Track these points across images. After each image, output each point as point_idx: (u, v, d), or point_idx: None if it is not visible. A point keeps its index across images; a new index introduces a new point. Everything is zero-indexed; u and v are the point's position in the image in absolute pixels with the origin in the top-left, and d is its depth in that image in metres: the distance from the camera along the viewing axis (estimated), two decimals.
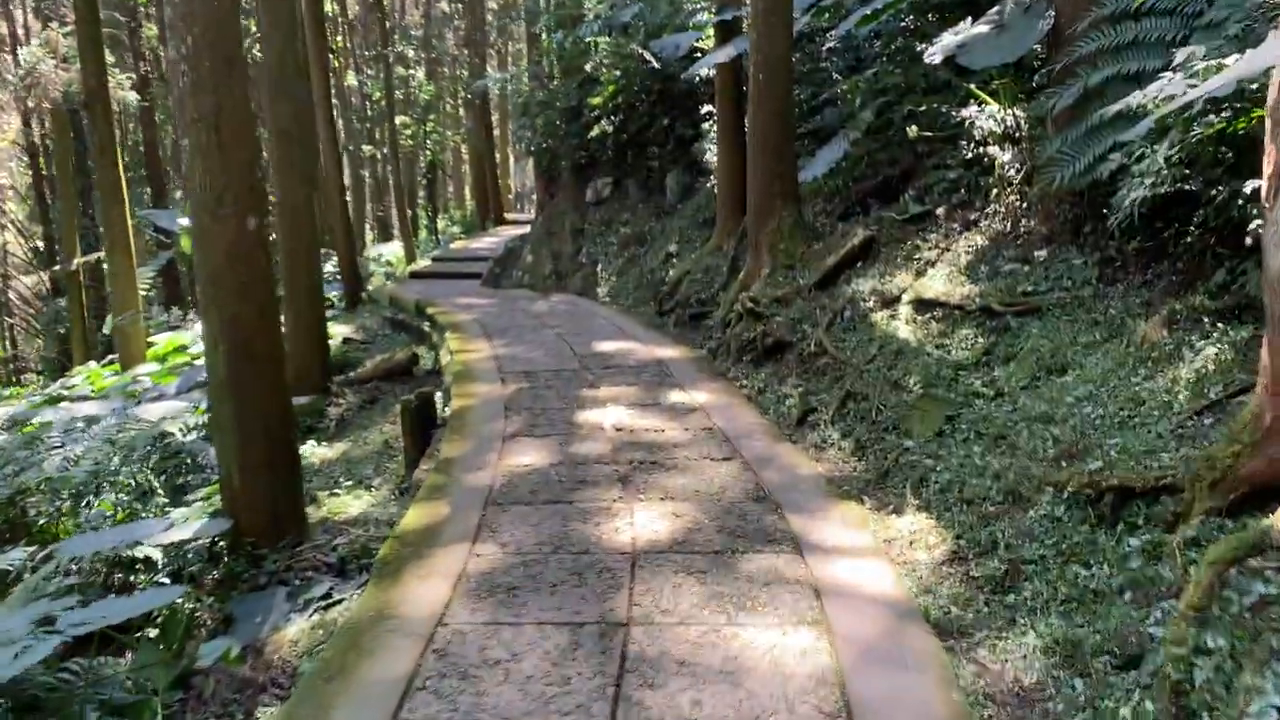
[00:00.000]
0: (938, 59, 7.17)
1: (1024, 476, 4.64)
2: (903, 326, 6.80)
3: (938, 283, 6.86)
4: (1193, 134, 4.75)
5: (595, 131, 15.38)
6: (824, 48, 12.18)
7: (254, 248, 5.63)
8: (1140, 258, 5.74)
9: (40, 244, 29.16)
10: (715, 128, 11.99)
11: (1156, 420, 4.46)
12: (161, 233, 22.99)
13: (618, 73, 14.95)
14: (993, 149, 7.32)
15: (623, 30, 13.74)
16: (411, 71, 36.86)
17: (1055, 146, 5.89)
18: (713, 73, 12.08)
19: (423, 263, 23.95)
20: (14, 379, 30.39)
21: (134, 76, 21.93)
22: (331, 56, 33.71)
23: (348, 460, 8.57)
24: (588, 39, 14.08)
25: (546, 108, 16.95)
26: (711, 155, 13.12)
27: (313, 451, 8.99)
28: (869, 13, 8.20)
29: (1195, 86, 4.37)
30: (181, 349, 14.12)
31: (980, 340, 6.14)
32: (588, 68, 15.94)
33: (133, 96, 19.38)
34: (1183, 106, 4.52)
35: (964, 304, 6.45)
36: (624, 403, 7.42)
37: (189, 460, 6.82)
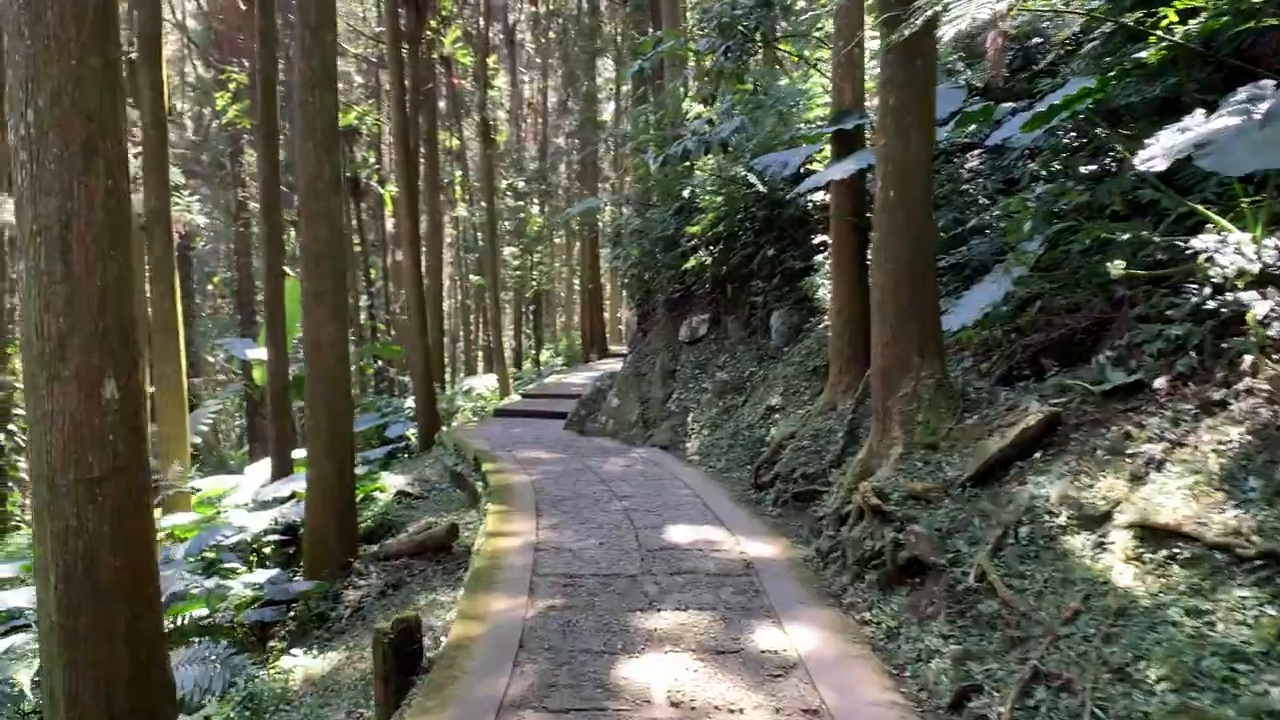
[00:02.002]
0: (1159, 165, 4.93)
1: None
2: (1120, 566, 4.36)
3: (1173, 498, 4.42)
4: None
5: (692, 262, 13.55)
6: (964, 167, 10.11)
7: (113, 425, 3.71)
8: None
9: None
10: (829, 259, 9.91)
11: None
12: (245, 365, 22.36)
13: (719, 198, 13.17)
14: (1243, 295, 4.97)
15: (723, 149, 11.96)
16: (521, 202, 36.60)
17: None
18: (827, 196, 10.11)
19: (513, 398, 22.46)
20: None
21: (230, 202, 21.62)
22: (445, 189, 33.66)
23: (328, 687, 6.47)
24: (683, 161, 12.34)
25: (641, 236, 15.29)
26: (825, 291, 11.02)
27: (294, 664, 6.96)
28: (1042, 110, 6.08)
29: None
30: (212, 500, 12.56)
31: (1269, 612, 3.67)
32: (685, 193, 14.25)
33: (201, 220, 18.77)
34: None
35: (1229, 542, 3.99)
36: (689, 644, 5.14)
37: None
